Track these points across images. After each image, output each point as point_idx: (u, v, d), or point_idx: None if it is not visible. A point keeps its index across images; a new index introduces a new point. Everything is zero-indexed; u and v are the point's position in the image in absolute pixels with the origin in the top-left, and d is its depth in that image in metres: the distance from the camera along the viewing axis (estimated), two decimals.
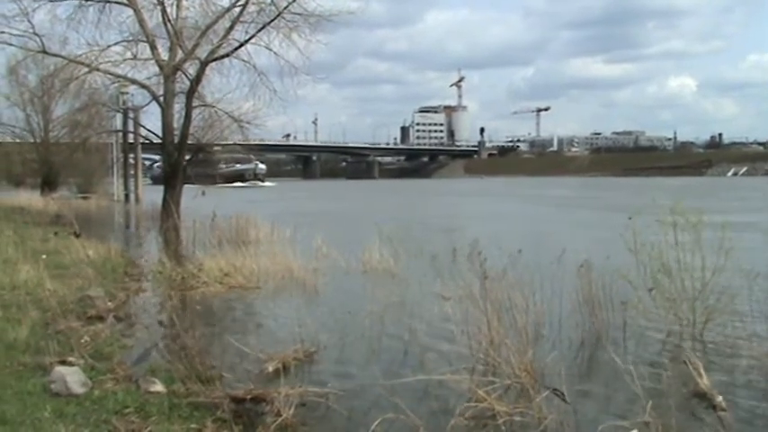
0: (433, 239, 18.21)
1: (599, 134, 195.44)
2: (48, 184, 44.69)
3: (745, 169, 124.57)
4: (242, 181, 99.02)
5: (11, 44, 27.02)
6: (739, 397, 6.56)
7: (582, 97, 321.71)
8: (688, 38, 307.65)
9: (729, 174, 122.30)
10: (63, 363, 7.02)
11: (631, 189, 57.32)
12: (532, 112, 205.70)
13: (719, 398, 6.17)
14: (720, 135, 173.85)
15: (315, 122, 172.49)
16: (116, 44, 26.23)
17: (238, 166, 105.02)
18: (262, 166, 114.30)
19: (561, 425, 5.59)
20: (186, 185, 26.92)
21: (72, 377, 6.42)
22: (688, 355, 6.79)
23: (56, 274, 12.59)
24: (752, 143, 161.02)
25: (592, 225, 25.30)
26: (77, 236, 17.81)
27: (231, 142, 31.11)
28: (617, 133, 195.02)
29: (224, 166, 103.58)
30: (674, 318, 8.88)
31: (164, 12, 25.62)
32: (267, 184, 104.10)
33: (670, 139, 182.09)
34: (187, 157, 27.85)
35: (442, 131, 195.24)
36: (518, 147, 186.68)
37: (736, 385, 6.94)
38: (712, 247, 8.83)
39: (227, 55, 25.77)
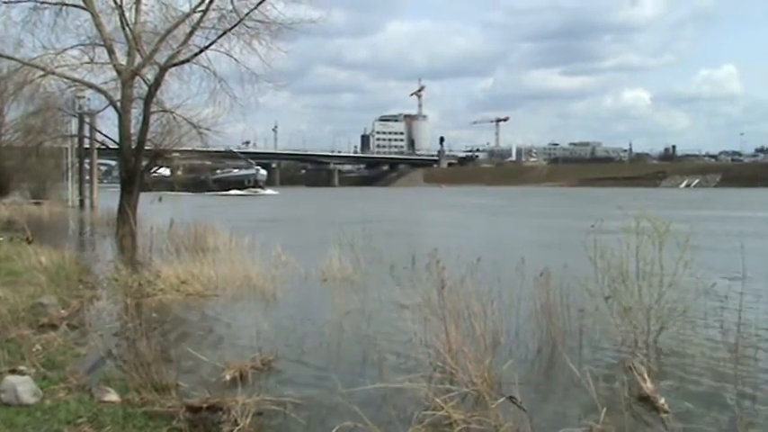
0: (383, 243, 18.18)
1: (557, 145, 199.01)
2: None
3: (697, 181, 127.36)
4: (240, 188, 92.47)
5: None
6: (687, 401, 6.68)
7: (540, 108, 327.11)
8: (642, 52, 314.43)
9: (682, 185, 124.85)
10: (13, 372, 6.86)
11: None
12: (492, 122, 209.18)
13: (662, 400, 6.34)
14: (674, 147, 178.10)
15: (275, 130, 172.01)
16: (72, 48, 25.77)
17: (236, 171, 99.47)
18: (263, 172, 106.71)
19: None
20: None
21: (23, 387, 6.28)
22: (636, 361, 6.94)
23: (7, 281, 12.33)
24: (704, 155, 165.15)
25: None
26: (30, 242, 17.48)
27: (190, 148, 30.82)
28: (574, 144, 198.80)
29: (220, 171, 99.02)
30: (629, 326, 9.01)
31: (122, 16, 25.22)
32: (269, 191, 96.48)
33: (626, 151, 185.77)
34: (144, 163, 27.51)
35: (402, 140, 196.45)
36: (477, 156, 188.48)
37: (685, 389, 7.08)
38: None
39: (186, 61, 25.51)
